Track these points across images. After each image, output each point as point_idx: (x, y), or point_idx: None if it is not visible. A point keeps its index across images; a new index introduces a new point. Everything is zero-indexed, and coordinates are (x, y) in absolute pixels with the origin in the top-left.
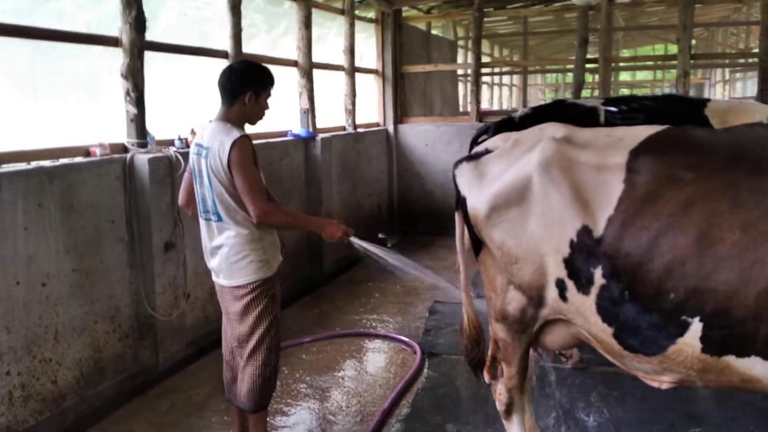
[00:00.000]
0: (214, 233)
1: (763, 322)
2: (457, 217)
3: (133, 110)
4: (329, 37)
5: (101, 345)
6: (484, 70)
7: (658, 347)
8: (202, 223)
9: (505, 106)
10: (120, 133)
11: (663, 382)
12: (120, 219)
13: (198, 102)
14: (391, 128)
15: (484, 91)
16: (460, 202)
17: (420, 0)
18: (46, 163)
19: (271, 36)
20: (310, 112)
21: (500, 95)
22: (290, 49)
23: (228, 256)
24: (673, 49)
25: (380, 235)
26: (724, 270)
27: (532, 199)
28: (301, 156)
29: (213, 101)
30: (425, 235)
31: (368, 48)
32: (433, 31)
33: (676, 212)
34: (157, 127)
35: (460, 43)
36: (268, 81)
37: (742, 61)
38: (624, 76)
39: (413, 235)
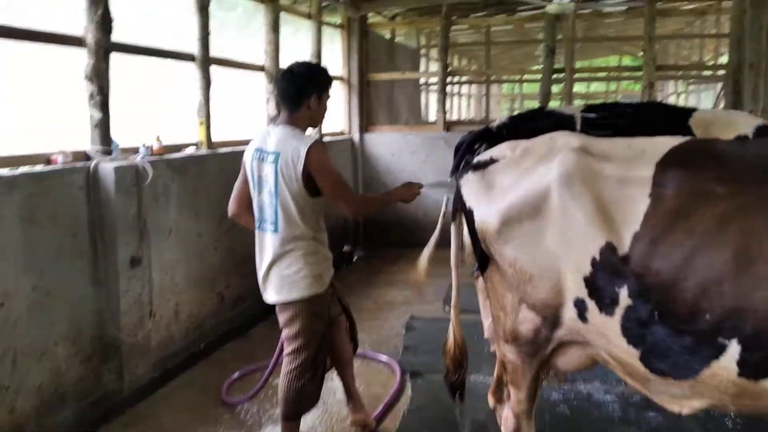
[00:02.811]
0: (267, 246)
1: None
2: (454, 230)
3: (98, 115)
4: (288, 41)
5: (62, 369)
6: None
7: (690, 371)
8: (257, 233)
9: (464, 116)
10: (83, 140)
11: (690, 407)
12: (83, 232)
13: (161, 107)
14: (356, 137)
15: None
16: (466, 215)
17: (386, 6)
18: (4, 171)
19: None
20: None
21: (459, 105)
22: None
23: (281, 269)
24: (627, 60)
25: (345, 248)
26: (764, 289)
27: (550, 213)
28: None
29: (178, 106)
30: (392, 248)
31: (330, 54)
32: (397, 39)
33: (710, 228)
34: (119, 133)
35: (423, 51)
36: (329, 81)
37: (694, 73)
38: (578, 87)
39: (380, 248)
